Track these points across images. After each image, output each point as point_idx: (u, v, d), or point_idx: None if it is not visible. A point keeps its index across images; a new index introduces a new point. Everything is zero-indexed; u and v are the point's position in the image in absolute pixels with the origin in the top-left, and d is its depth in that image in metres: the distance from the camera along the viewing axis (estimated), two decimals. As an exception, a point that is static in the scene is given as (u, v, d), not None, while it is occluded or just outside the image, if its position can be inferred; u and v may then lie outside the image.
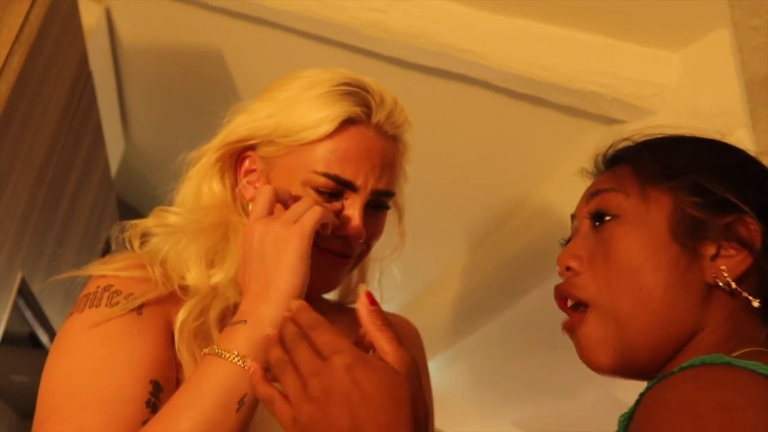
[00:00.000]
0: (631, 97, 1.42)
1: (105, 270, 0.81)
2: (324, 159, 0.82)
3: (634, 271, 0.66)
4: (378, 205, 0.87)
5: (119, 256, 0.84)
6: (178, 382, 0.76)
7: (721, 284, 0.64)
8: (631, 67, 1.41)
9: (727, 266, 0.65)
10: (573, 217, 0.77)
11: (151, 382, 0.72)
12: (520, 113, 1.67)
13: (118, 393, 0.70)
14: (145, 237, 0.87)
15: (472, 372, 2.93)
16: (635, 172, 0.71)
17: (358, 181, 0.83)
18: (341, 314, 0.94)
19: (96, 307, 0.77)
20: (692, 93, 1.32)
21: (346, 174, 0.82)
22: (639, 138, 0.74)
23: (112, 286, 0.79)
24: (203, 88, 2.34)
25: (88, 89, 1.90)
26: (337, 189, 0.83)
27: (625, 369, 0.67)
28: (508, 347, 2.58)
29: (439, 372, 2.81)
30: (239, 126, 0.87)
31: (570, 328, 0.71)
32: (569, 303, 0.71)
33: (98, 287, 0.79)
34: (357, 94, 0.84)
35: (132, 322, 0.76)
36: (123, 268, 0.81)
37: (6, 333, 1.53)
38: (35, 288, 1.62)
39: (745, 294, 0.64)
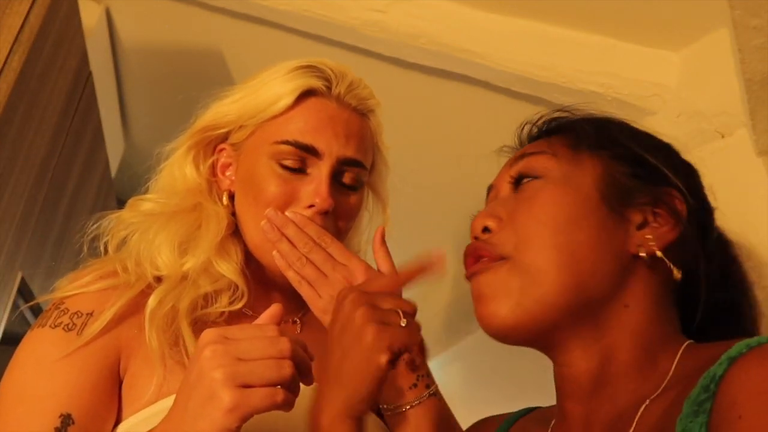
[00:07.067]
0: (631, 97, 1.42)
1: (71, 290, 0.79)
2: (285, 129, 0.82)
3: (560, 229, 0.62)
4: (349, 180, 0.85)
5: (88, 268, 0.82)
6: (137, 388, 0.75)
7: (644, 255, 0.62)
8: (631, 67, 1.41)
9: (653, 236, 0.62)
10: (490, 188, 0.75)
11: (60, 416, 0.70)
12: (520, 113, 1.66)
13: (25, 427, 0.70)
14: (123, 242, 0.86)
15: (470, 373, 2.93)
16: (569, 139, 0.69)
17: (320, 146, 0.81)
18: None
19: (41, 327, 0.76)
20: (692, 93, 1.32)
21: (306, 139, 0.81)
22: (577, 112, 0.74)
23: (62, 303, 0.78)
24: (203, 88, 2.33)
25: (88, 89, 1.90)
26: (300, 158, 0.81)
27: (520, 329, 0.64)
28: (507, 348, 2.57)
29: (438, 373, 2.80)
30: (209, 113, 0.89)
31: (475, 273, 0.66)
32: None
33: (53, 304, 0.78)
34: (316, 68, 0.85)
35: (66, 344, 0.74)
36: (89, 282, 0.79)
37: (6, 333, 1.52)
38: (35, 288, 1.62)
39: (669, 264, 0.61)
